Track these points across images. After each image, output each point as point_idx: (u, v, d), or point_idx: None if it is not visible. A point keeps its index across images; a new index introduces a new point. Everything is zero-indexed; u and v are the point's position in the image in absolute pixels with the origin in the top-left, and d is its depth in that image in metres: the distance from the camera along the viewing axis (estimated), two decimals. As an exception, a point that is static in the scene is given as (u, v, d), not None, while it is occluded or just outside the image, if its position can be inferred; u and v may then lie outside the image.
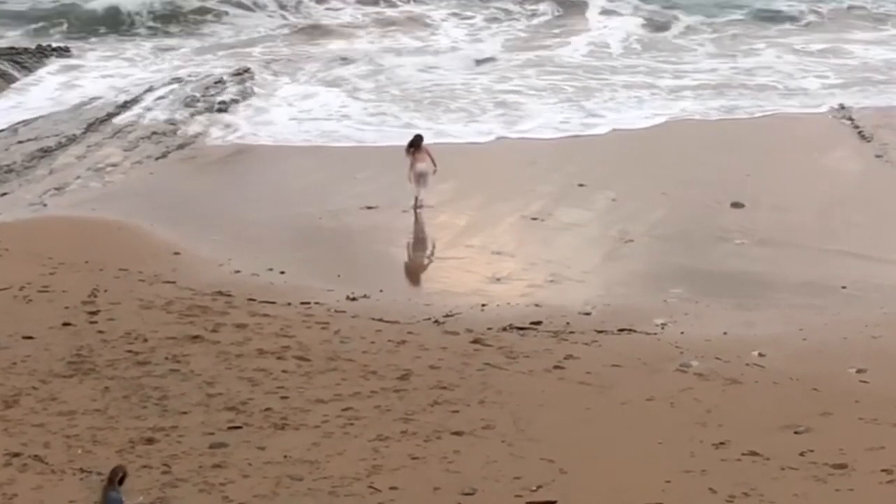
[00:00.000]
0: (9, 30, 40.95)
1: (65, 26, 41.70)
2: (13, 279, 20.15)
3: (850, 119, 31.65)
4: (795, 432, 15.39)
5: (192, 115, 31.71)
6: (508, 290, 20.62)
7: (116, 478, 12.64)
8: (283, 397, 16.20)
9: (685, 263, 22.02)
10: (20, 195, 25.35)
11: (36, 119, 31.50)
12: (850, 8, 44.32)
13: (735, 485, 14.11)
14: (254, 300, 19.58)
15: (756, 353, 17.85)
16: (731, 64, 37.87)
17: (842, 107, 32.22)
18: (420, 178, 24.59)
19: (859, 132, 30.38)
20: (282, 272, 20.98)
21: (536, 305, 19.77)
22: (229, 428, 15.37)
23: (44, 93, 34.72)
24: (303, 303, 19.57)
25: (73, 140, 29.27)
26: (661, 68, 37.27)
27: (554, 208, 24.79)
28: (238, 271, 21.02)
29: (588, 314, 19.43)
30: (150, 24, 42.58)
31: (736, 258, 22.31)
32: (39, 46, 38.90)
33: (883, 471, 14.37)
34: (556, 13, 44.59)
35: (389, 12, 44.68)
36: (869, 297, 20.31)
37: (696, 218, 24.40)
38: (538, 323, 18.94)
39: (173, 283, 20.29)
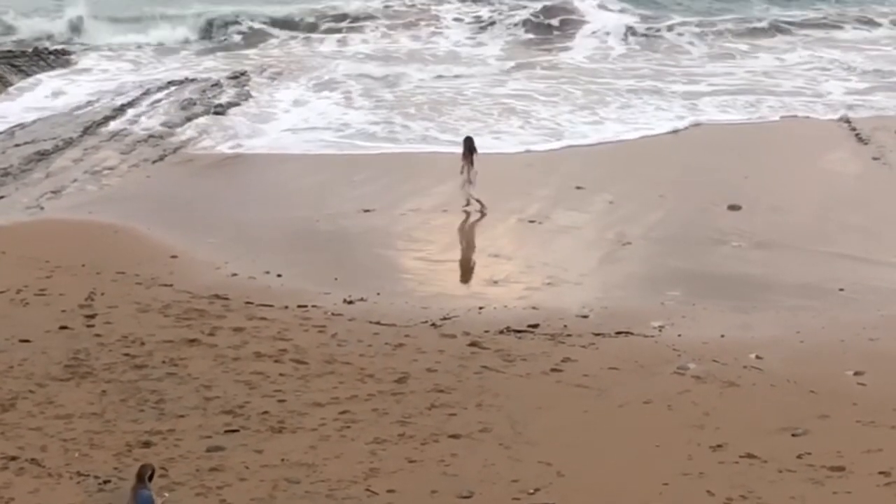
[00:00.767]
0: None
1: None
2: (9, 282, 20.14)
3: (848, 122, 31.69)
4: (793, 435, 15.39)
5: (190, 118, 31.72)
6: (505, 293, 20.61)
7: (146, 475, 12.63)
8: (280, 400, 16.19)
9: (682, 266, 22.02)
10: (17, 198, 25.34)
11: (33, 122, 31.50)
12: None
13: (732, 487, 14.10)
14: (251, 303, 19.57)
15: (753, 355, 17.84)
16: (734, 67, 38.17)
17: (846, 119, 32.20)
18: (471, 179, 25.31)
19: (857, 135, 30.42)
20: (279, 275, 20.97)
21: (534, 308, 19.76)
22: (226, 431, 15.36)
23: (41, 96, 34.75)
24: (300, 306, 19.56)
25: (69, 143, 29.27)
26: (667, 71, 37.48)
27: (551, 211, 24.80)
28: (235, 274, 21.01)
29: (585, 317, 19.42)
30: None
31: (733, 261, 22.31)
32: (36, 49, 38.94)
33: (881, 473, 14.37)
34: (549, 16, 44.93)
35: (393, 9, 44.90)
36: (866, 300, 20.31)
37: (694, 220, 24.41)
38: (535, 326, 18.93)
39: (170, 286, 20.28)
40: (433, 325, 18.98)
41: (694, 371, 17.27)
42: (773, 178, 27.05)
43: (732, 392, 16.65)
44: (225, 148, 29.46)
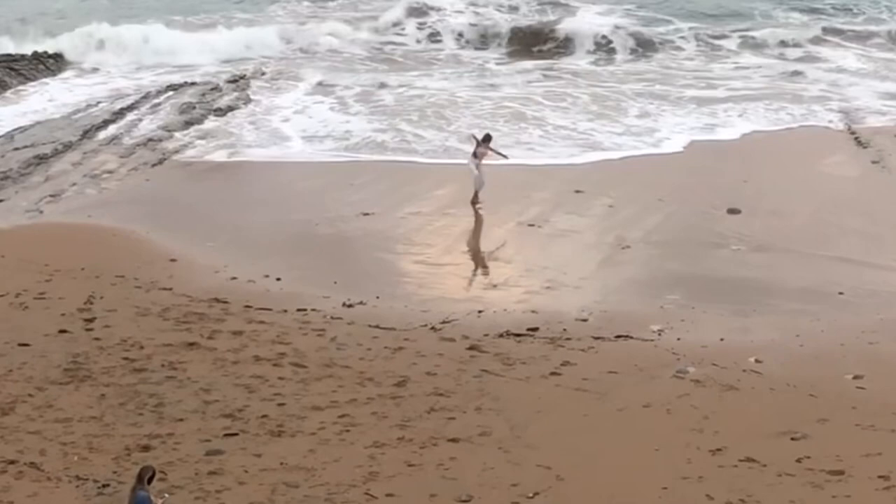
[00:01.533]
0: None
1: None
2: (9, 286, 20.14)
3: (847, 125, 31.71)
4: (792, 438, 15.38)
5: (189, 122, 31.74)
6: (505, 297, 20.61)
7: (146, 476, 12.65)
8: (279, 404, 16.18)
9: (682, 270, 22.02)
10: (16, 202, 25.36)
11: (32, 126, 31.53)
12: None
13: (732, 491, 14.09)
14: (250, 307, 19.57)
15: (753, 359, 17.83)
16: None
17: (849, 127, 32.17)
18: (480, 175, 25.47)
19: (856, 138, 30.44)
20: (278, 279, 20.96)
21: (533, 312, 19.75)
22: (225, 435, 15.35)
23: (40, 99, 34.79)
24: (299, 309, 19.55)
25: (69, 147, 29.30)
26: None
27: (550, 215, 24.80)
28: (234, 278, 21.00)
29: (585, 320, 19.41)
30: None
31: (732, 264, 22.31)
32: (35, 53, 38.94)
33: (880, 477, 14.36)
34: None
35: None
36: (865, 303, 20.31)
37: (693, 224, 24.41)
38: (535, 329, 18.93)
39: (170, 289, 20.27)
40: (432, 328, 18.98)
41: (693, 375, 17.26)
42: (773, 181, 27.06)
43: (732, 396, 16.64)
44: (224, 151, 29.46)
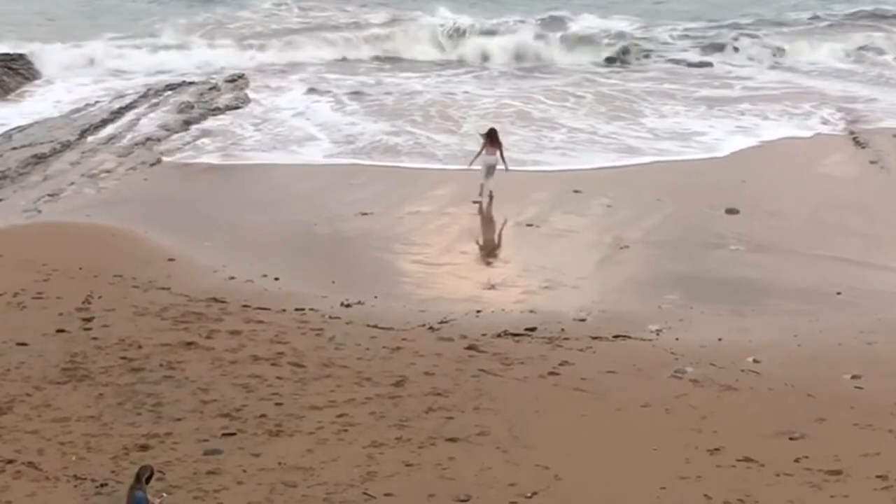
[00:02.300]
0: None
1: None
2: (7, 285, 20.12)
3: (846, 125, 31.74)
4: (790, 438, 15.38)
5: (187, 121, 31.73)
6: (503, 297, 20.61)
7: (144, 476, 12.66)
8: (277, 404, 16.17)
9: (680, 270, 22.03)
10: (14, 201, 25.34)
11: (30, 125, 31.52)
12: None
13: (730, 491, 14.09)
14: (248, 307, 19.56)
15: (751, 359, 17.84)
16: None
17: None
18: (488, 170, 25.52)
19: (854, 138, 30.45)
20: (276, 278, 20.96)
21: (531, 311, 19.76)
22: (223, 434, 15.34)
23: (38, 99, 34.77)
24: (297, 309, 19.54)
25: (67, 146, 29.28)
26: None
27: (549, 214, 24.81)
28: (232, 278, 21.00)
29: (583, 320, 19.41)
30: None
31: (731, 264, 22.32)
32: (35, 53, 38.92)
33: (878, 477, 14.36)
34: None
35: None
36: (864, 303, 20.32)
37: (691, 224, 24.42)
38: (533, 329, 18.93)
39: (168, 289, 20.27)
40: (431, 328, 18.98)
41: (691, 375, 17.26)
42: (771, 181, 27.07)
43: (730, 396, 16.64)
44: (222, 151, 29.45)
